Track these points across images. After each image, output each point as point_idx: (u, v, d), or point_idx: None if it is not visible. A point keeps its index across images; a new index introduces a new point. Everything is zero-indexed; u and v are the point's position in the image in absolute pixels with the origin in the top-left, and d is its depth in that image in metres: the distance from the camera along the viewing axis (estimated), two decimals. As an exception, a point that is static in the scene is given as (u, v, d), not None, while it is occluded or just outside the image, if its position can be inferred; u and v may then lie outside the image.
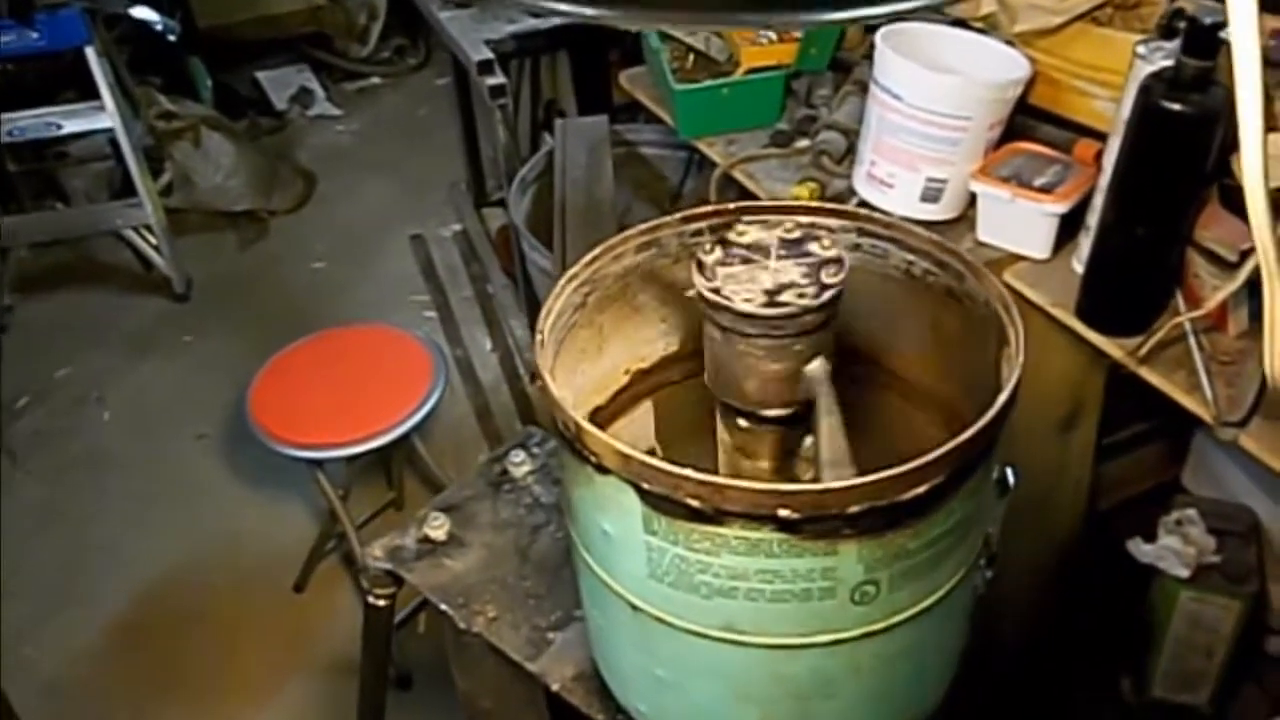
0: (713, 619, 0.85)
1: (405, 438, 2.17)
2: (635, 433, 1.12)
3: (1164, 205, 1.42)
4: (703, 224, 1.03)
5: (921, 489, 0.78)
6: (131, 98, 3.35)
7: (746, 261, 0.89)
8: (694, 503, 0.78)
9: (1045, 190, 1.62)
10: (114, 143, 3.18)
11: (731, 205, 1.02)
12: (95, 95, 2.98)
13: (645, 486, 0.80)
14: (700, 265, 0.90)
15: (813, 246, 0.92)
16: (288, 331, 2.61)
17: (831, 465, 0.82)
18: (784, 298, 0.87)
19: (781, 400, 0.91)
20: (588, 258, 0.98)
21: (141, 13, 3.08)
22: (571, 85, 3.07)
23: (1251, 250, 1.41)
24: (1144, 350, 1.46)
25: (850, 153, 1.88)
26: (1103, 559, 1.89)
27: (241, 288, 3.42)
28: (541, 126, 3.32)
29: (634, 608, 0.90)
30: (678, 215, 1.02)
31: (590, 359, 1.04)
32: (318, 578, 2.50)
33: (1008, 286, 1.13)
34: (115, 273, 3.48)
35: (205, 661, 2.36)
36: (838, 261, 0.90)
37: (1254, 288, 1.46)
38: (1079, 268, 1.61)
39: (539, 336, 0.91)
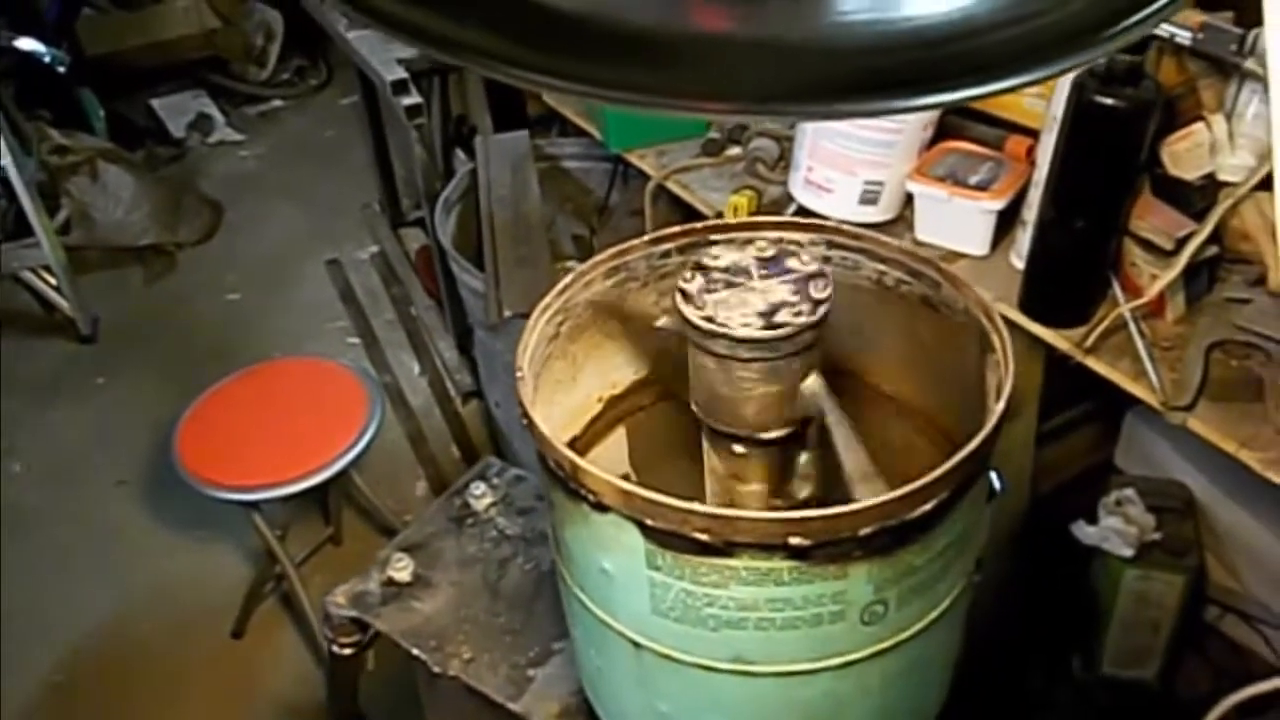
0: (721, 651, 0.83)
1: (344, 472, 2.10)
2: (609, 460, 1.10)
3: (1102, 198, 1.45)
4: (670, 245, 1.01)
5: (929, 505, 0.77)
6: (21, 133, 3.18)
7: (730, 285, 0.87)
8: (702, 536, 0.76)
9: (980, 188, 1.64)
10: (4, 181, 3.03)
11: (699, 225, 1.00)
12: (-18, 133, 2.85)
13: (649, 523, 0.77)
14: (685, 295, 0.87)
15: (791, 263, 0.91)
16: (205, 367, 2.51)
17: (861, 480, 0.81)
18: (780, 318, 0.85)
19: (780, 422, 0.90)
20: (559, 286, 0.96)
21: (27, 44, 2.94)
22: (484, 100, 3.02)
23: (1187, 238, 1.45)
24: (1090, 341, 1.49)
25: (784, 159, 1.88)
26: (1044, 541, 1.93)
27: (152, 325, 3.28)
28: (453, 142, 3.25)
29: (636, 645, 0.87)
30: (645, 238, 1.00)
31: (565, 389, 1.01)
32: (257, 622, 2.40)
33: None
34: (14, 317, 3.30)
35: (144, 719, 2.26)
36: (822, 275, 0.88)
37: (1190, 274, 1.50)
38: (1018, 262, 1.63)
39: (519, 373, 0.88)
